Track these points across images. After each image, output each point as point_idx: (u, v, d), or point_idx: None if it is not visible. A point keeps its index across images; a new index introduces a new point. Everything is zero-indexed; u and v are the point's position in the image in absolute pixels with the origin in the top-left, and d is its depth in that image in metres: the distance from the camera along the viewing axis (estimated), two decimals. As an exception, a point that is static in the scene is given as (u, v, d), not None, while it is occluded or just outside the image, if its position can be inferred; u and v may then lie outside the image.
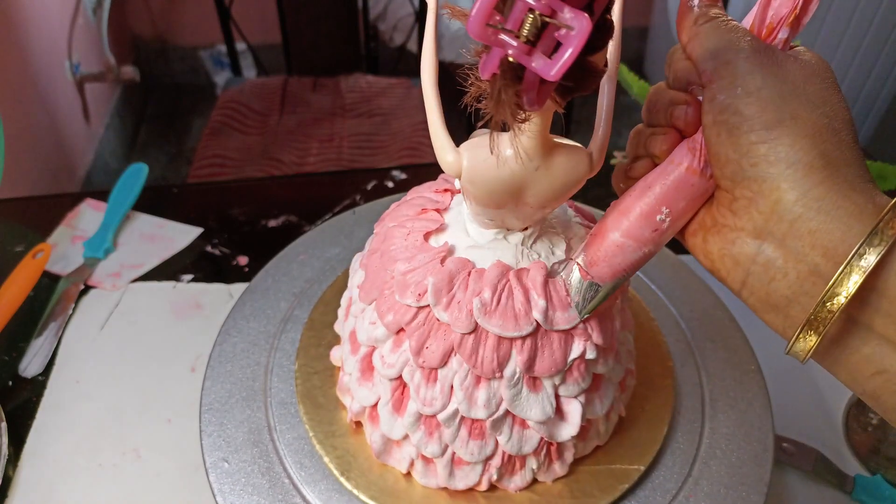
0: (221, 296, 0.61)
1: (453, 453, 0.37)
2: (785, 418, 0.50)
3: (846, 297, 0.24)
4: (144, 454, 0.50)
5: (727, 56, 0.27)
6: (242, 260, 0.65)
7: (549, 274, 0.35)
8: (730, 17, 0.29)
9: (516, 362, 0.34)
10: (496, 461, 0.37)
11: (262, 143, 1.27)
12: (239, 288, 0.62)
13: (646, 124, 0.32)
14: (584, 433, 0.38)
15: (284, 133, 1.30)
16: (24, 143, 1.29)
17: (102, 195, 0.71)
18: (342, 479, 0.39)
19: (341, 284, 0.51)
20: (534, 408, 0.35)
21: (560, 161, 0.31)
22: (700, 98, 0.28)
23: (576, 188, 0.32)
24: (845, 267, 0.24)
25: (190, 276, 0.63)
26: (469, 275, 0.34)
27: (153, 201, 0.71)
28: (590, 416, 0.38)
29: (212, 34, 1.89)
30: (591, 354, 0.35)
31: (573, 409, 0.36)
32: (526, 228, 0.36)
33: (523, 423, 0.36)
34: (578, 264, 0.33)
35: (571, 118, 1.83)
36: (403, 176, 0.74)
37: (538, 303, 0.33)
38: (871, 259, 0.24)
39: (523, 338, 0.34)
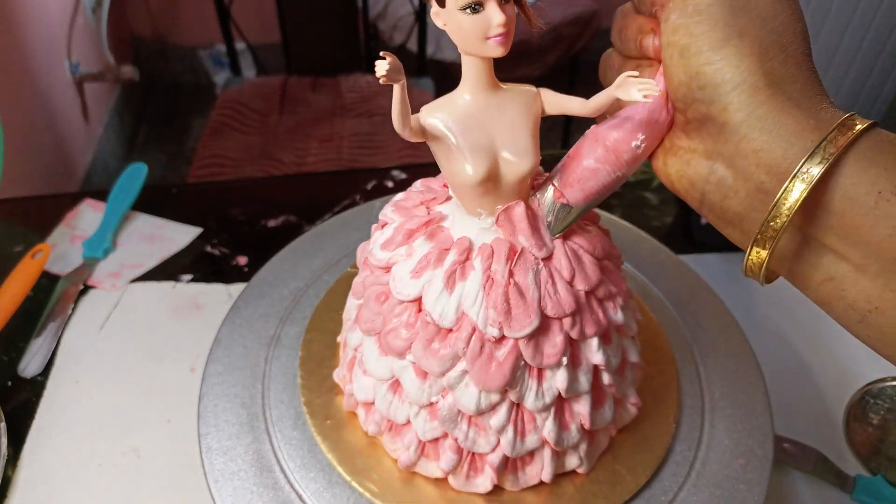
0: (221, 296, 0.61)
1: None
2: (785, 418, 0.50)
3: (788, 215, 0.25)
4: (144, 454, 0.50)
5: None
6: (242, 260, 0.65)
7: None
8: None
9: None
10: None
11: (261, 143, 1.27)
12: (238, 288, 0.62)
13: (619, 53, 0.32)
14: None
15: (284, 133, 1.29)
16: (23, 143, 1.29)
17: (102, 195, 0.71)
18: (342, 480, 0.39)
19: (341, 284, 0.51)
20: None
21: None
22: None
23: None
24: (789, 184, 0.25)
25: (189, 276, 0.63)
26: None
27: (152, 201, 0.71)
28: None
29: (211, 34, 1.89)
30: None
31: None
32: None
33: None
34: (553, 185, 0.33)
35: (572, 117, 1.83)
36: (403, 176, 0.74)
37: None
38: (813, 173, 0.24)
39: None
